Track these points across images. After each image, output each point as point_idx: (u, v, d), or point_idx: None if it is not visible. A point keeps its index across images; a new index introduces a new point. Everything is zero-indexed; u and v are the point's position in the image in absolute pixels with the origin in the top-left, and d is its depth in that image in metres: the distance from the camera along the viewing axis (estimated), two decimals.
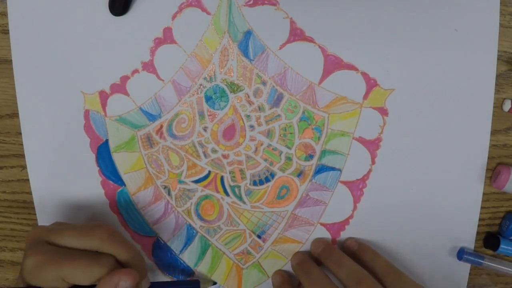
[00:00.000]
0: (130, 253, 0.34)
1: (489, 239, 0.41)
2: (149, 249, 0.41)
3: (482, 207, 0.40)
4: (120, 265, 0.34)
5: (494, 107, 0.38)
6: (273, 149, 0.39)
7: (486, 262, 0.40)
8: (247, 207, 0.40)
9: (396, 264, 0.41)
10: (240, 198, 0.40)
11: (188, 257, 0.41)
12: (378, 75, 0.38)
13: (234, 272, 0.41)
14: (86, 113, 0.39)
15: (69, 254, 0.33)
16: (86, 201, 0.40)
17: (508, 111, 0.38)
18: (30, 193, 0.40)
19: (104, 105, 0.38)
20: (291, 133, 0.39)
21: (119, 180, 0.40)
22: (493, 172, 0.40)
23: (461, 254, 0.40)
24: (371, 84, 0.38)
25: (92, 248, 0.34)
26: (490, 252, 0.41)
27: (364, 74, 0.38)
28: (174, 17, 0.37)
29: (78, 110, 0.38)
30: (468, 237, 0.41)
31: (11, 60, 0.38)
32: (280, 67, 0.38)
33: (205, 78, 0.38)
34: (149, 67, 0.38)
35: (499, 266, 0.40)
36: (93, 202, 0.40)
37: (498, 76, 0.38)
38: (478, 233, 0.41)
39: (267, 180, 0.40)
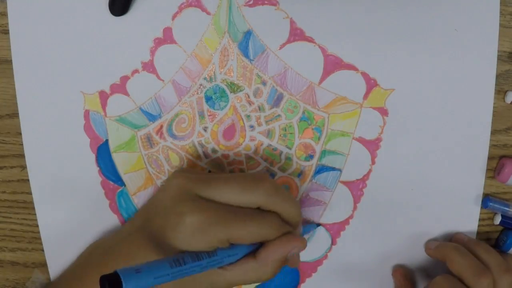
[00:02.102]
0: (293, 210, 0.31)
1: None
2: None
3: (482, 207, 0.40)
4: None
5: (494, 105, 0.38)
6: (273, 149, 0.39)
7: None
8: None
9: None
10: None
11: None
12: (378, 75, 0.38)
13: None
14: (86, 113, 0.39)
15: (234, 213, 0.30)
16: (86, 201, 0.40)
17: (511, 103, 0.38)
18: (30, 193, 0.40)
19: (104, 105, 0.38)
20: (291, 133, 0.39)
21: (119, 180, 0.40)
22: (496, 165, 0.40)
23: (487, 202, 0.39)
24: (371, 84, 0.38)
25: (255, 205, 0.31)
26: None
27: (364, 74, 0.38)
28: (174, 17, 0.37)
29: (78, 110, 0.38)
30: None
31: (11, 60, 0.38)
32: (280, 67, 0.38)
33: (205, 78, 0.38)
34: (149, 67, 0.38)
35: None
36: (93, 202, 0.40)
37: (498, 76, 0.38)
38: (478, 233, 0.41)
39: None
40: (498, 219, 0.40)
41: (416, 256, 0.41)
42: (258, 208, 0.32)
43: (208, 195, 0.31)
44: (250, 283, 0.32)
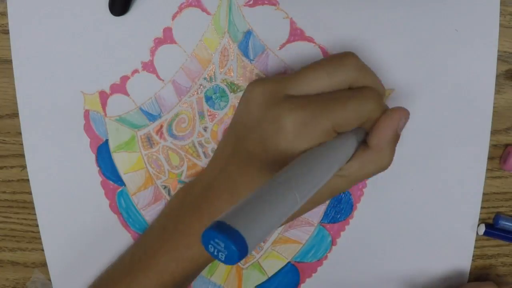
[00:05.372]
0: (379, 82, 0.29)
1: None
2: None
3: (482, 207, 0.40)
4: None
5: (494, 105, 0.38)
6: None
7: None
8: None
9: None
10: None
11: None
12: (377, 75, 0.38)
13: (234, 272, 0.41)
14: (86, 113, 0.39)
15: (332, 97, 0.28)
16: (86, 201, 0.40)
17: None
18: (30, 193, 0.40)
19: (104, 105, 0.38)
20: None
21: (119, 180, 0.40)
22: (502, 154, 0.39)
23: (498, 220, 0.39)
24: None
25: (346, 83, 0.29)
26: None
27: None
28: (174, 17, 0.37)
29: (78, 110, 0.38)
30: (468, 237, 0.41)
31: (11, 60, 0.38)
32: (280, 67, 0.38)
33: (205, 78, 0.38)
34: (149, 67, 0.38)
35: None
36: (93, 202, 0.40)
37: (498, 76, 0.38)
38: (478, 232, 0.41)
39: None
40: (482, 229, 0.40)
41: (416, 256, 0.41)
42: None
43: (297, 91, 0.29)
44: (371, 176, 0.30)
